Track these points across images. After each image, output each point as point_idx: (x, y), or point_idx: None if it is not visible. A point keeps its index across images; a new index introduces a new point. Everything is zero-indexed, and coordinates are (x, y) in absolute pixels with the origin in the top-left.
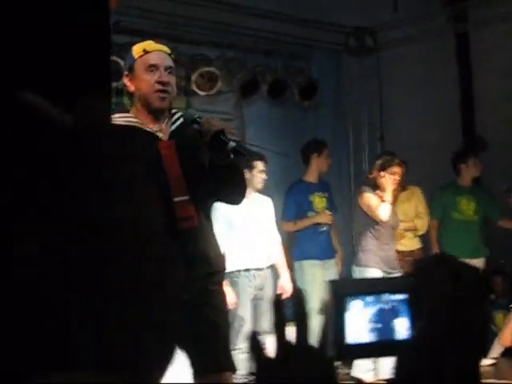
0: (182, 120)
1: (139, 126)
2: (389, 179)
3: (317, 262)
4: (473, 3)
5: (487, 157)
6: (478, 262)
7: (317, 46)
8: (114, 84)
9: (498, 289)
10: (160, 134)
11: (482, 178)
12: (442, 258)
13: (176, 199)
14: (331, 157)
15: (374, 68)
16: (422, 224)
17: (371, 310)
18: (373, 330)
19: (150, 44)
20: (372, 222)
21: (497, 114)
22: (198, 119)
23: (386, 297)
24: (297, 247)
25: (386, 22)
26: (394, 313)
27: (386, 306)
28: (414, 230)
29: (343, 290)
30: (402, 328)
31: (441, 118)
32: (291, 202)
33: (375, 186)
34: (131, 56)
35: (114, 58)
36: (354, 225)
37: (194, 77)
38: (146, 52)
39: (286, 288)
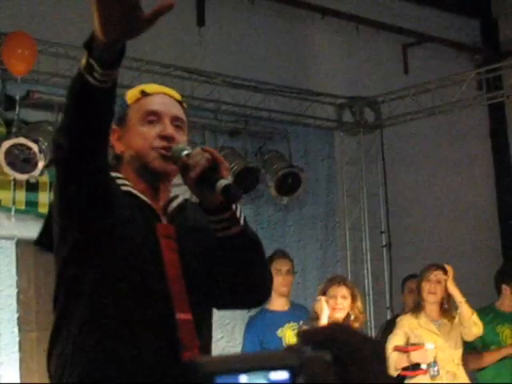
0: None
1: (138, 194)
2: (324, 303)
3: None
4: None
5: None
6: None
7: (301, 123)
8: (24, 177)
9: None
10: (158, 211)
11: None
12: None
13: (179, 316)
14: (292, 273)
15: (377, 149)
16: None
17: None
18: None
19: (151, 86)
20: None
21: None
22: (185, 155)
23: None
24: None
25: (392, 90)
26: None
27: None
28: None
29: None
30: None
31: (473, 213)
32: (251, 340)
33: (316, 316)
34: (122, 102)
35: (22, 141)
36: None
37: None
38: (144, 94)
39: None
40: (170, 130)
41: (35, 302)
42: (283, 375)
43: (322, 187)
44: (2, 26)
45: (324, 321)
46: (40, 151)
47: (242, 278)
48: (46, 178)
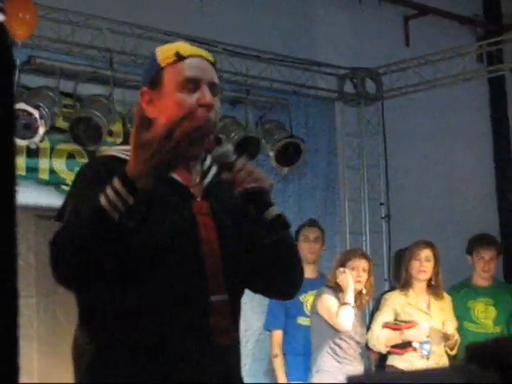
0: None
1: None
2: (349, 276)
3: None
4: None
5: None
6: None
7: (301, 93)
8: (24, 142)
9: None
10: (190, 188)
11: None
12: None
13: (213, 298)
14: (322, 242)
15: (378, 121)
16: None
17: None
18: None
19: (184, 46)
20: (332, 333)
21: None
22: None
23: None
24: None
25: (394, 62)
26: None
27: None
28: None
29: None
30: None
31: (472, 187)
32: (276, 307)
33: (336, 287)
34: (154, 62)
35: (23, 106)
36: (312, 336)
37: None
38: (180, 57)
39: None
40: (208, 98)
41: (35, 268)
42: None
43: (322, 158)
44: None
45: (350, 295)
46: (41, 117)
47: (276, 277)
48: (46, 144)
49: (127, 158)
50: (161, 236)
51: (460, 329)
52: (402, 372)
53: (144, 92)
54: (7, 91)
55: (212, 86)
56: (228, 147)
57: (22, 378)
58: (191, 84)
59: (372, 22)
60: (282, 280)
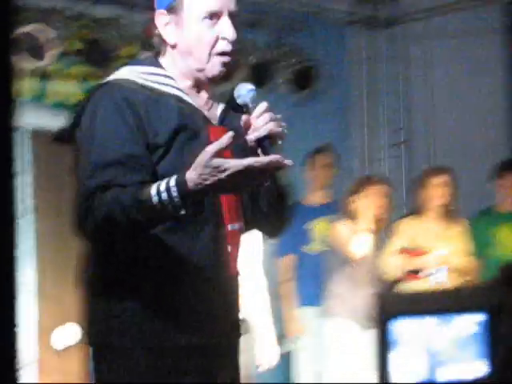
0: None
1: (184, 96)
2: (364, 203)
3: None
4: None
5: None
6: None
7: (316, 16)
8: (35, 65)
9: None
10: (206, 112)
11: None
12: None
13: (230, 227)
14: (337, 167)
15: (392, 46)
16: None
17: (433, 337)
18: (436, 365)
19: None
20: (346, 259)
21: None
22: (249, 104)
23: (454, 318)
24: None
25: None
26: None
27: (456, 333)
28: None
29: (392, 308)
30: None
31: (488, 114)
32: (285, 233)
33: (351, 214)
34: None
35: (36, 26)
36: (327, 263)
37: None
38: None
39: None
40: (231, 31)
41: (48, 190)
42: (478, 318)
43: (339, 83)
44: None
45: (365, 221)
46: (53, 39)
47: (267, 215)
48: (59, 67)
49: (145, 82)
50: (179, 165)
51: (483, 255)
52: (433, 291)
53: (161, 15)
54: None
55: (233, 17)
56: (249, 90)
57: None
58: (212, 17)
59: None
60: (276, 220)
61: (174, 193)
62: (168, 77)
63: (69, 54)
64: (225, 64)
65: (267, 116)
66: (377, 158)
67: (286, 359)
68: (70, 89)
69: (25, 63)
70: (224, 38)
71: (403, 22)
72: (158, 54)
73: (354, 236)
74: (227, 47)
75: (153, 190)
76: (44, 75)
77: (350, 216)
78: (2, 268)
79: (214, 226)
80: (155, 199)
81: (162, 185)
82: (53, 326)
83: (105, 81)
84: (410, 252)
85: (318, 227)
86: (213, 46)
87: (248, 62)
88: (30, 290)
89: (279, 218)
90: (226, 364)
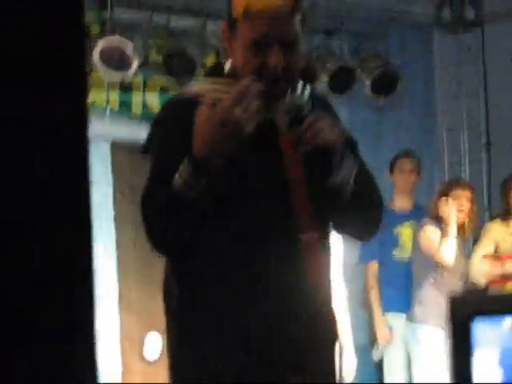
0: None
1: None
2: (452, 207)
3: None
4: None
5: None
6: None
7: (398, 21)
8: (118, 76)
9: None
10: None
11: None
12: None
13: (305, 236)
14: (417, 173)
15: (477, 48)
16: None
17: None
18: None
19: None
20: (434, 265)
21: None
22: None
23: None
24: None
25: None
26: None
27: None
28: None
29: (469, 309)
30: None
31: None
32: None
33: (438, 218)
34: (231, 3)
35: (116, 40)
36: (414, 268)
37: None
38: (247, 10)
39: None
40: (276, 58)
41: (129, 200)
42: None
43: (420, 87)
44: None
45: (453, 226)
46: (134, 51)
47: (355, 215)
48: (139, 78)
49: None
50: (247, 175)
51: None
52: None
53: (224, 30)
54: (80, 55)
55: (288, 46)
56: (302, 98)
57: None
58: (259, 45)
59: None
60: (361, 219)
61: (188, 165)
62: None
63: (149, 65)
64: (272, 87)
65: (318, 126)
66: (457, 163)
67: (375, 366)
68: (151, 100)
69: (109, 75)
70: (268, 66)
71: (486, 24)
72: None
73: (442, 240)
74: (273, 75)
75: (176, 175)
76: (127, 87)
77: (438, 220)
78: (82, 278)
79: (286, 238)
80: (178, 181)
81: (181, 167)
82: (137, 335)
83: (174, 96)
84: (497, 257)
85: (404, 232)
86: (259, 73)
87: (327, 68)
88: (113, 300)
89: (370, 220)
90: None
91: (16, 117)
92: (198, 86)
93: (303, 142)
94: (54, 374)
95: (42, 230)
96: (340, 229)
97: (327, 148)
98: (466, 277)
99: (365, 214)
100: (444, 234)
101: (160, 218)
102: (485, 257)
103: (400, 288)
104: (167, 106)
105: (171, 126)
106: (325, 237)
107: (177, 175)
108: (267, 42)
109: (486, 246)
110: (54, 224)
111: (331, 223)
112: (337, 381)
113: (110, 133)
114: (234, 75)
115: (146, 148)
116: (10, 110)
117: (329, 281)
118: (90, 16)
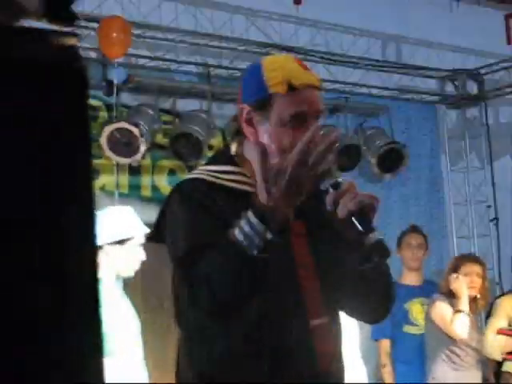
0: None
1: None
2: (463, 282)
3: None
4: None
5: None
6: None
7: (401, 98)
8: (127, 161)
9: None
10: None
11: None
12: None
13: (314, 322)
14: (425, 248)
15: (481, 122)
16: None
17: None
18: None
19: (296, 72)
20: (447, 340)
21: None
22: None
23: None
24: None
25: (495, 61)
26: None
27: None
28: None
29: None
30: None
31: None
32: None
33: (450, 294)
34: (261, 84)
35: (124, 125)
36: (426, 344)
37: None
38: (291, 89)
39: None
40: (315, 135)
41: (140, 287)
42: None
43: (425, 162)
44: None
45: (465, 301)
46: (141, 135)
47: (365, 302)
48: (148, 162)
49: (213, 179)
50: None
51: None
52: None
53: (245, 110)
54: (82, 112)
55: (318, 116)
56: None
57: None
58: (299, 119)
59: (471, 21)
60: (370, 305)
61: (253, 219)
62: (240, 173)
63: (156, 148)
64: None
65: (355, 191)
66: (465, 236)
67: None
68: (159, 182)
69: (119, 158)
70: (309, 144)
71: (489, 99)
72: (234, 143)
73: (455, 316)
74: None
75: (235, 231)
76: (136, 170)
77: (449, 296)
78: (82, 278)
79: (296, 324)
80: (239, 237)
81: (242, 221)
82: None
83: (179, 182)
84: (509, 332)
85: (414, 308)
86: (293, 152)
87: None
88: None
89: (381, 302)
90: None
91: (16, 117)
92: (193, 173)
93: (343, 204)
94: (54, 374)
95: (42, 230)
96: (350, 311)
97: (364, 210)
98: (479, 352)
99: (375, 301)
100: (456, 309)
101: (222, 275)
102: (498, 331)
103: (413, 364)
104: (183, 193)
105: (197, 201)
106: (335, 321)
107: (235, 230)
108: (307, 115)
109: (499, 321)
110: (54, 224)
111: (340, 307)
112: None
113: None
114: (242, 156)
115: (154, 237)
116: (10, 109)
117: (342, 364)
118: (96, 102)
